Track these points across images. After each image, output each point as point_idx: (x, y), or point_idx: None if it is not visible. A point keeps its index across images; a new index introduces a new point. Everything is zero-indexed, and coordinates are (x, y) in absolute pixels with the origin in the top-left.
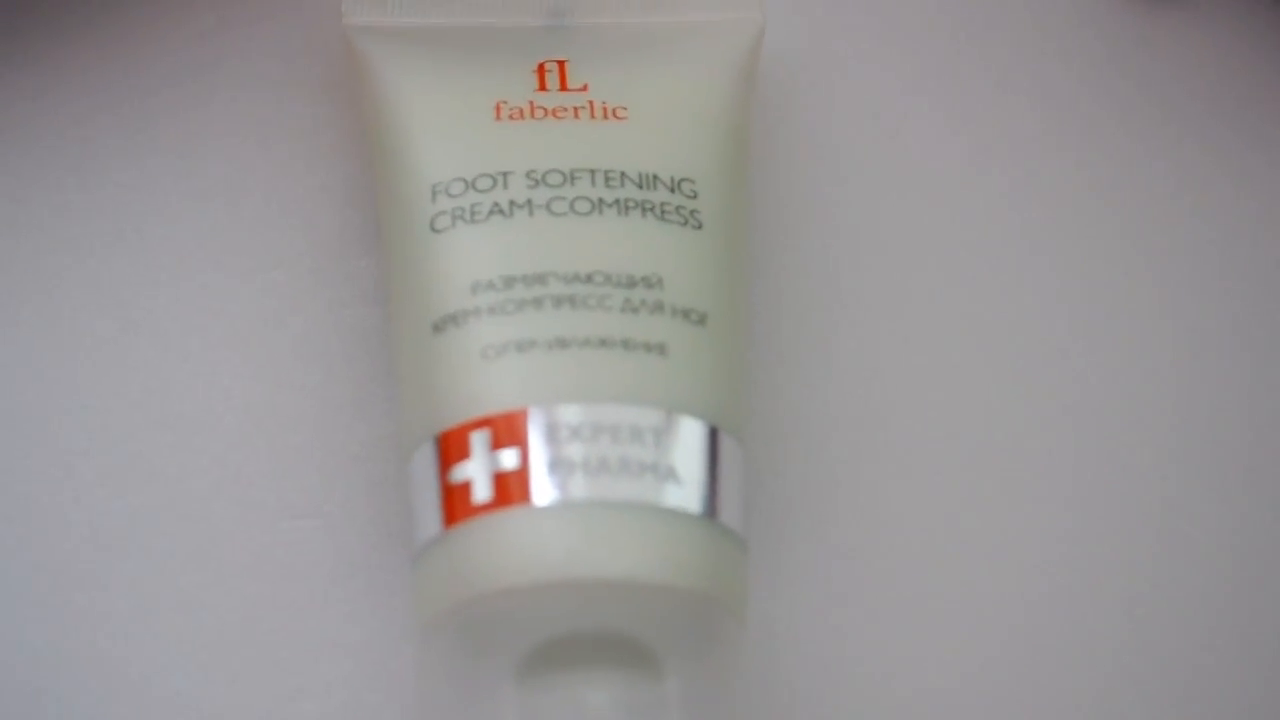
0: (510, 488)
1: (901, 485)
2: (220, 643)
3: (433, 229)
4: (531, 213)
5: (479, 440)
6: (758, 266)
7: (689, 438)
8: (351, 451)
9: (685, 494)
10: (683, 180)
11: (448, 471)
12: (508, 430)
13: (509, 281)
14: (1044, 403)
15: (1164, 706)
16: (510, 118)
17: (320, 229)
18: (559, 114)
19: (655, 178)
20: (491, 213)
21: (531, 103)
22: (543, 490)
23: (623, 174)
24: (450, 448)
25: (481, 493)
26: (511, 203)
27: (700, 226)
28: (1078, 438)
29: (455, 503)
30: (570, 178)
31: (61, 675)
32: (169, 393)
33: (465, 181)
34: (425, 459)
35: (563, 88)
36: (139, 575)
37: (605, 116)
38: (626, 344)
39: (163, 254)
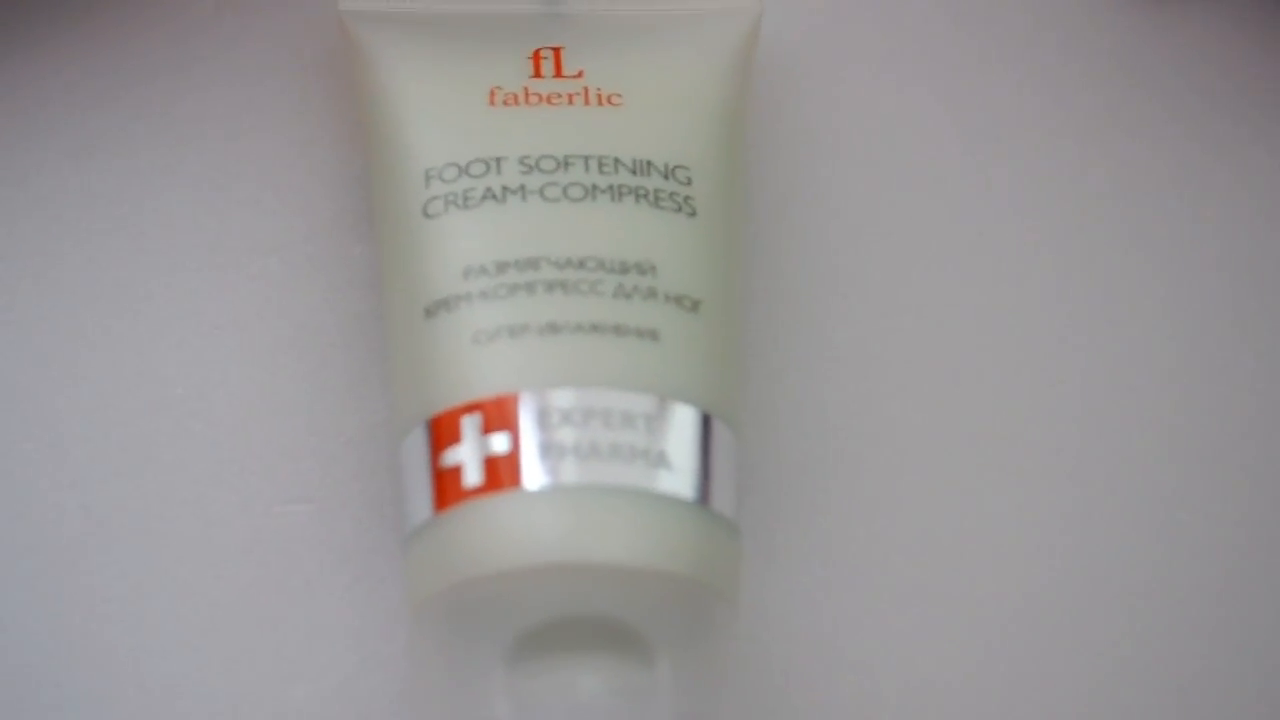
0: (501, 472)
1: (894, 472)
2: (213, 627)
3: (425, 214)
4: (525, 198)
5: (470, 424)
6: (752, 254)
7: (681, 424)
8: (345, 436)
9: (677, 480)
10: (677, 167)
11: (439, 455)
12: (499, 414)
13: (501, 267)
14: (1038, 391)
15: (1157, 693)
16: (504, 103)
17: (315, 215)
18: (553, 100)
19: (649, 164)
20: (484, 198)
21: (526, 89)
22: (534, 474)
23: (616, 160)
24: (441, 432)
25: (472, 477)
26: (505, 188)
27: (694, 214)
28: (1071, 426)
29: (446, 487)
30: (564, 163)
31: (54, 660)
32: (163, 378)
33: (458, 167)
34: (416, 443)
35: (558, 74)
36: (133, 560)
37: (600, 103)
38: (618, 329)
39: (157, 240)
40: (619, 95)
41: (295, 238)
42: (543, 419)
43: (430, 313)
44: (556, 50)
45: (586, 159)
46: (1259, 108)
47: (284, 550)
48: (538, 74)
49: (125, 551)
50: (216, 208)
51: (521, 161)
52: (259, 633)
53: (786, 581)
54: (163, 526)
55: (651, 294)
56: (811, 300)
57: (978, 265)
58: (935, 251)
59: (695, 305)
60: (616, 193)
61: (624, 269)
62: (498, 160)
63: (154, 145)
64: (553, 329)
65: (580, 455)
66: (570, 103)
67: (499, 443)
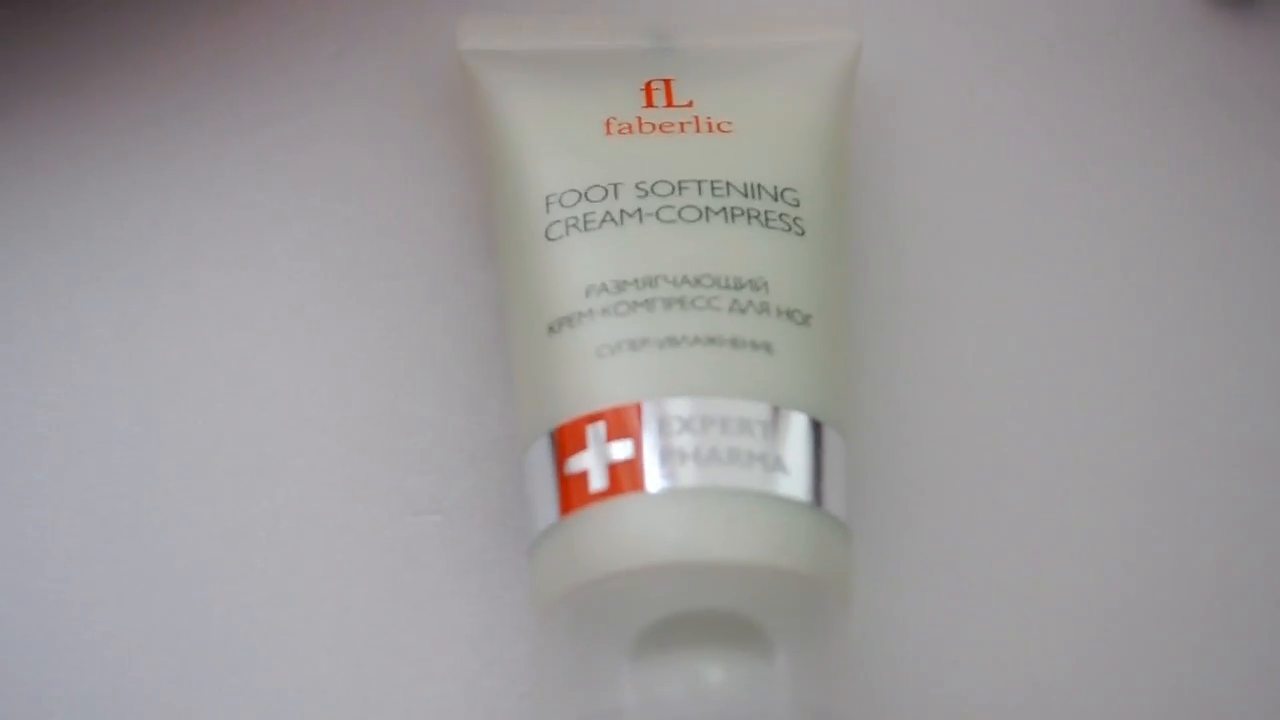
0: (624, 477)
1: (994, 480)
2: (345, 632)
3: (547, 237)
4: (641, 220)
5: (594, 433)
6: (860, 272)
7: (795, 430)
8: (469, 451)
9: (792, 483)
10: (785, 189)
11: (564, 463)
12: (621, 423)
13: (621, 285)
14: (1138, 399)
15: (1254, 695)
16: (620, 132)
17: (436, 243)
18: (666, 129)
19: (759, 187)
20: (604, 221)
21: (640, 118)
22: (655, 478)
23: (728, 184)
24: (566, 441)
25: (597, 482)
26: (622, 211)
27: (803, 233)
28: (1172, 435)
29: (571, 492)
30: (678, 188)
31: (191, 665)
32: (297, 398)
33: (578, 192)
34: (542, 452)
35: (669, 104)
36: (269, 569)
37: (711, 130)
38: (734, 342)
39: (287, 269)
40: (728, 123)
41: (418, 265)
42: (663, 427)
43: (553, 329)
44: (667, 82)
45: (700, 183)
46: None
47: (413, 559)
48: (650, 104)
49: (262, 561)
50: (342, 237)
51: (638, 186)
52: (388, 637)
53: (893, 584)
54: (297, 538)
55: (764, 309)
56: (914, 315)
57: (1074, 280)
58: (1031, 266)
59: (806, 319)
60: (729, 214)
61: (738, 285)
62: (615, 186)
63: (282, 181)
64: (672, 342)
65: (699, 460)
66: (682, 131)
67: (622, 450)
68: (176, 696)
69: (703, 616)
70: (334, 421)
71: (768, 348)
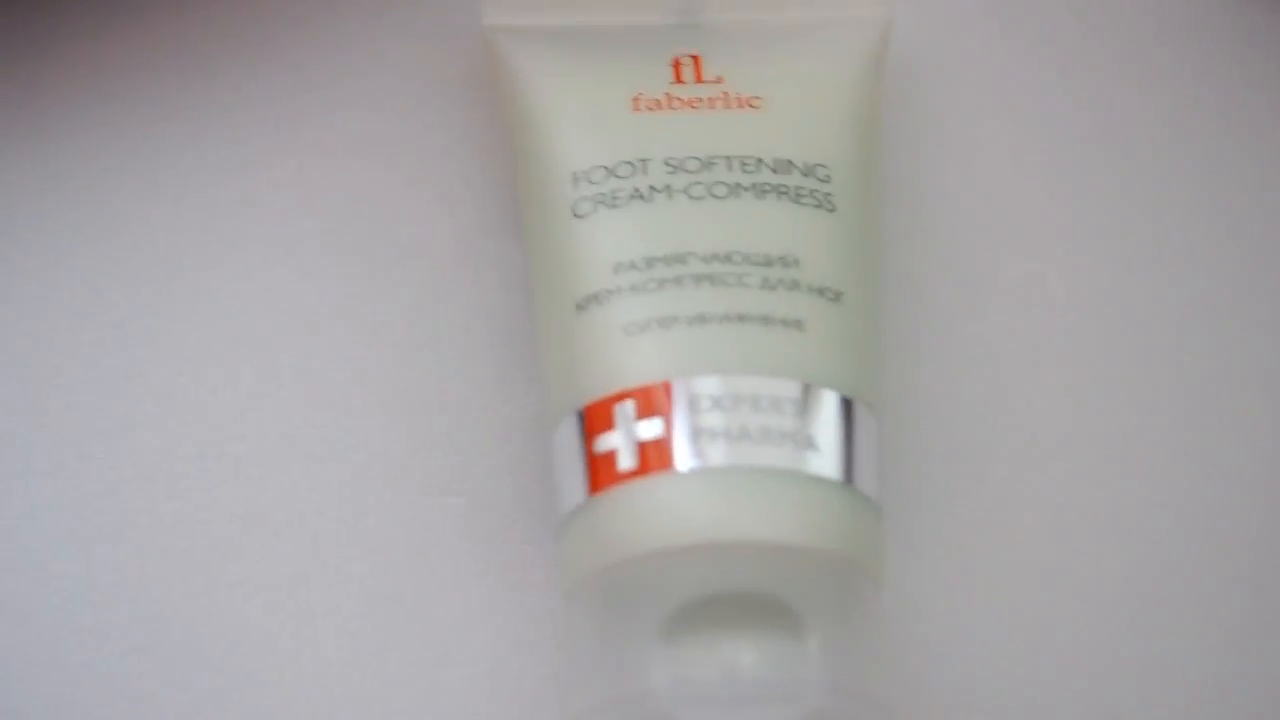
0: (653, 456)
1: (1024, 459)
2: (370, 614)
3: (575, 214)
4: (671, 197)
5: (622, 412)
6: (890, 249)
7: (826, 408)
8: (493, 431)
9: (823, 461)
10: (816, 165)
11: (592, 442)
12: (650, 402)
13: (650, 262)
14: (1169, 379)
15: None
16: (648, 108)
17: (460, 220)
18: (695, 104)
19: (790, 163)
20: (632, 198)
21: (668, 94)
22: (685, 457)
23: (758, 160)
24: (594, 419)
25: (626, 461)
26: (651, 188)
27: (834, 209)
28: (1202, 415)
29: (600, 471)
30: (707, 164)
31: (216, 647)
32: (318, 378)
33: (606, 169)
34: (569, 431)
35: (698, 80)
36: (291, 550)
37: (740, 106)
38: (765, 319)
39: (310, 245)
40: (758, 99)
41: (441, 242)
42: (693, 405)
43: (581, 307)
44: (695, 57)
45: (729, 159)
46: None
47: (435, 540)
48: (678, 80)
49: (283, 543)
50: (365, 215)
51: (666, 162)
52: (412, 619)
53: (925, 563)
54: (319, 519)
55: (795, 285)
56: (945, 293)
57: (1105, 257)
58: (1063, 242)
59: (837, 296)
60: (759, 190)
61: (768, 262)
62: (644, 162)
63: (306, 157)
64: (701, 320)
65: (730, 438)
66: (711, 107)
67: (651, 428)
68: (198, 679)
69: (734, 597)
70: (356, 402)
71: (798, 325)
